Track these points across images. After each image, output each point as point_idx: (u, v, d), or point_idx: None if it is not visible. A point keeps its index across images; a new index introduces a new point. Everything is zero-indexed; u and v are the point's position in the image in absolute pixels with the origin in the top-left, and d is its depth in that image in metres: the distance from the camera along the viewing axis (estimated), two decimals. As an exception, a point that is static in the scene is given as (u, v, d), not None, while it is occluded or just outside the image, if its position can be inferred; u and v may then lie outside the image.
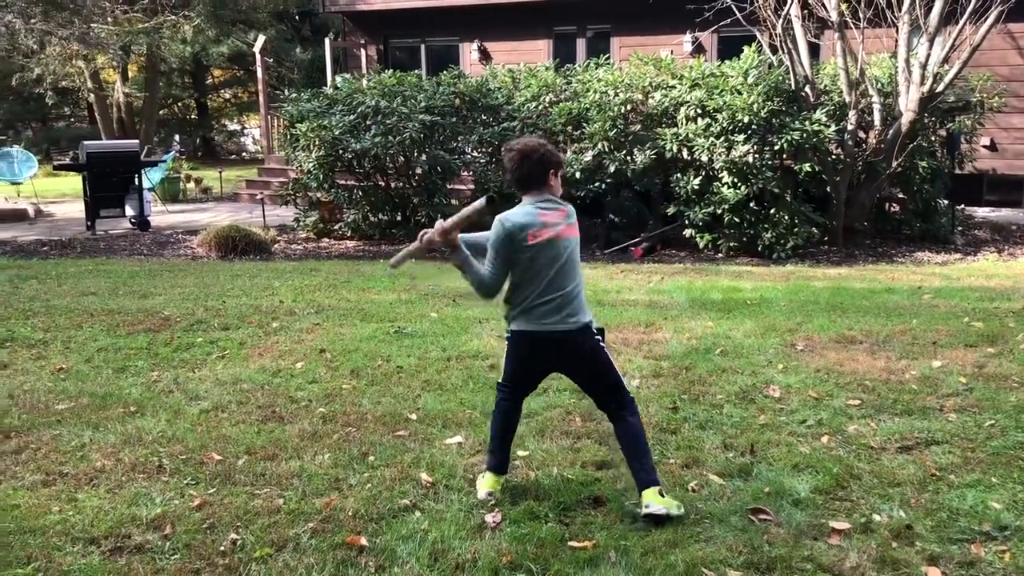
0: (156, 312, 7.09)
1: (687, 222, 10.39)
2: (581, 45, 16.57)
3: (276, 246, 11.28)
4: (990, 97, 12.07)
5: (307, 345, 6.00)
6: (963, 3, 10.21)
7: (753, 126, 9.93)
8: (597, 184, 10.70)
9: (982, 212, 13.42)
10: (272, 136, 17.21)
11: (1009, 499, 3.49)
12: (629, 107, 10.77)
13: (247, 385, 5.11)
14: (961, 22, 10.29)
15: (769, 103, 9.96)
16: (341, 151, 10.98)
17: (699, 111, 10.27)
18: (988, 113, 12.29)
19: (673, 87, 10.66)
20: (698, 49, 14.63)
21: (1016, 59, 13.77)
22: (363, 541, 3.22)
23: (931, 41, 10.30)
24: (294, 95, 12.07)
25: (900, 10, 10.46)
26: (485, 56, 16.99)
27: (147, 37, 20.80)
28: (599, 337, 3.51)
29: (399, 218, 11.79)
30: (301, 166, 11.59)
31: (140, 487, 3.71)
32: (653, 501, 3.32)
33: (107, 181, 12.70)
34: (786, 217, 10.11)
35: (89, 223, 12.83)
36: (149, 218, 13.20)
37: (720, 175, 10.17)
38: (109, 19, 20.39)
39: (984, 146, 13.66)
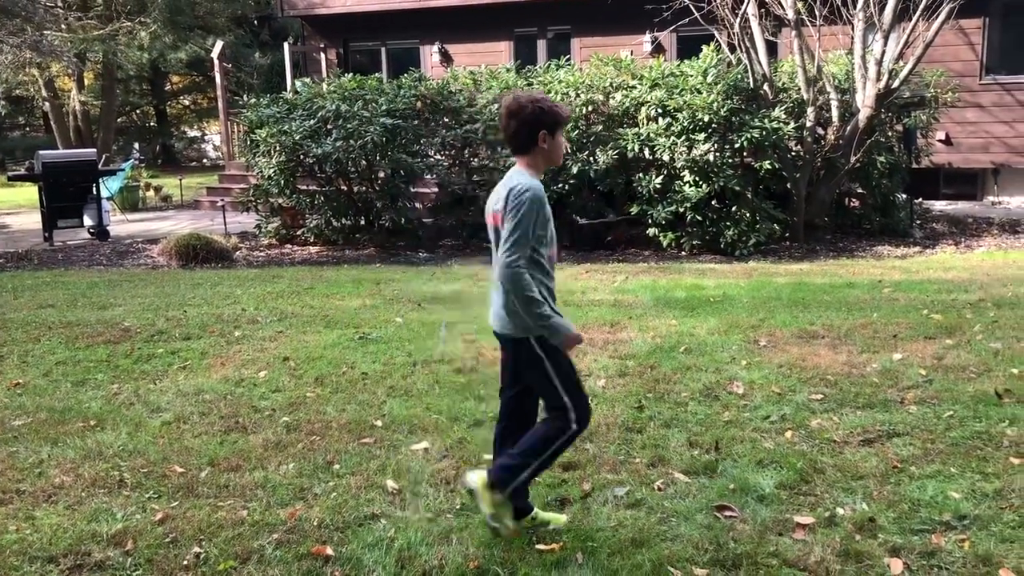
0: (116, 323, 6.98)
1: (650, 221, 10.44)
2: (542, 46, 16.59)
3: (238, 253, 11.16)
4: (944, 92, 12.28)
5: (270, 353, 5.94)
6: (915, 0, 10.38)
7: (713, 125, 10.01)
8: (561, 185, 10.71)
9: (939, 205, 13.64)
10: (232, 142, 17.04)
11: (968, 489, 3.54)
12: (590, 108, 10.80)
13: (209, 395, 5.05)
14: (914, 19, 10.46)
15: (728, 102, 10.04)
16: (302, 156, 10.90)
17: (660, 111, 10.33)
18: (942, 108, 12.51)
19: (634, 87, 10.71)
20: (658, 49, 14.71)
21: (968, 55, 14.01)
22: (329, 551, 3.19)
23: (886, 38, 10.46)
24: (253, 100, 11.96)
25: (855, 7, 10.60)
26: (446, 58, 16.95)
27: (102, 44, 20.51)
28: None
29: (363, 222, 11.72)
30: (262, 172, 11.48)
31: (100, 503, 3.65)
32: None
33: (64, 191, 12.49)
34: (747, 214, 10.20)
35: (46, 234, 12.61)
36: (108, 228, 13.01)
37: (682, 174, 10.23)
38: (63, 26, 20.07)
39: (940, 140, 13.89)
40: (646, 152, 10.41)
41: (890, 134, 11.59)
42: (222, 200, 13.66)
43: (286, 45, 17.91)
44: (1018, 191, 14.44)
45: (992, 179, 14.61)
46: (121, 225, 14.36)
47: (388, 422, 4.50)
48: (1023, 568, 2.95)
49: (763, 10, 10.88)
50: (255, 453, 4.14)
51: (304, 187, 11.63)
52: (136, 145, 31.50)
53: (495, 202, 3.15)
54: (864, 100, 10.53)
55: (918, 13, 10.37)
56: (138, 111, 32.66)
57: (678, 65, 10.91)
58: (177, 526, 3.41)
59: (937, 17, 10.39)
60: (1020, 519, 3.28)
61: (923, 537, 3.19)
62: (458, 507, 3.52)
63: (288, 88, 14.68)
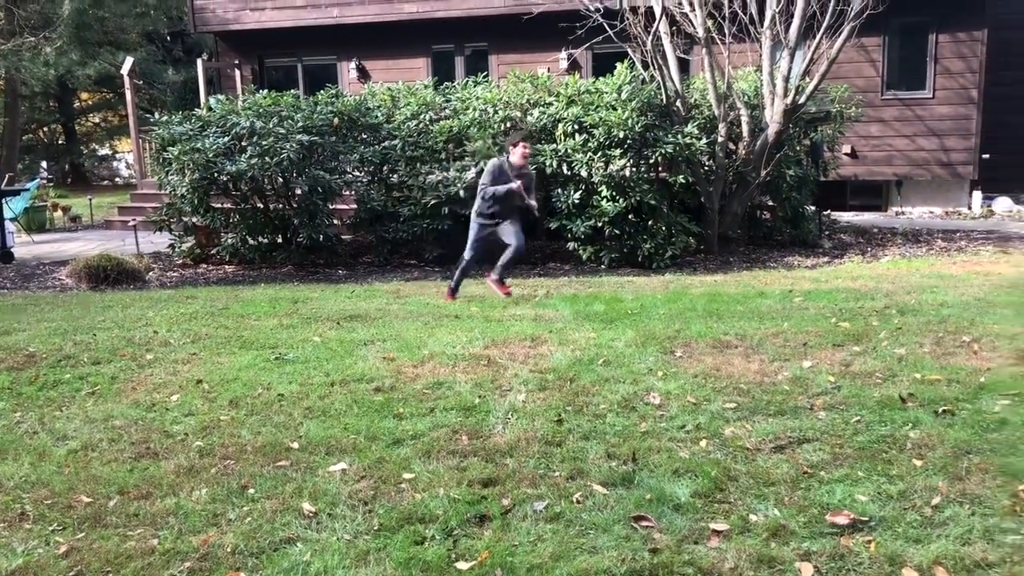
0: (19, 349, 6.71)
1: (570, 235, 10.55)
2: (460, 63, 16.66)
3: (151, 274, 10.88)
4: (848, 107, 12.75)
5: (183, 376, 5.80)
6: (819, 19, 10.77)
7: (628, 141, 10.19)
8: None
9: (847, 216, 14.14)
10: (145, 160, 16.63)
11: (874, 491, 3.66)
12: (509, 124, 10.89)
13: (119, 421, 4.89)
14: (818, 36, 10.84)
15: (643, 118, 10.24)
16: (216, 174, 10.71)
17: (576, 127, 10.48)
18: (847, 123, 12.99)
19: (550, 104, 10.84)
20: (574, 66, 14.92)
21: (870, 71, 14.58)
22: (243, 577, 3.12)
23: (792, 55, 10.82)
24: (165, 118, 11.71)
25: (762, 26, 10.94)
26: (364, 74, 16.88)
27: (4, 60, 19.80)
28: None
29: (279, 240, 11.56)
30: (174, 190, 11.24)
31: None
32: None
33: (-36, 212, 12.03)
34: (663, 228, 10.40)
35: (-55, 257, 12.11)
36: (12, 250, 12.55)
37: (599, 189, 10.38)
38: (-39, 41, 19.34)
39: (846, 154, 14.41)
40: (564, 168, 10.53)
41: (798, 148, 11.99)
42: (134, 220, 13.31)
43: (199, 62, 17.60)
44: (920, 202, 15.07)
45: (895, 190, 15.22)
46: (26, 247, 13.87)
47: (305, 444, 4.43)
48: (924, 566, 3.06)
49: (674, 28, 11.15)
50: (167, 479, 4.02)
51: (219, 205, 11.41)
52: (43, 164, 30.46)
53: None
54: (773, 116, 10.86)
55: (821, 31, 10.76)
56: (45, 129, 31.59)
57: (593, 82, 11.09)
58: (83, 558, 3.29)
59: (840, 35, 10.79)
60: (922, 519, 3.41)
61: (832, 540, 3.28)
62: (376, 527, 3.48)
63: (202, 105, 14.39)
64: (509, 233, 8.20)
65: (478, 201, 8.21)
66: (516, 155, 8.03)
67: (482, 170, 8.63)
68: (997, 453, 4.00)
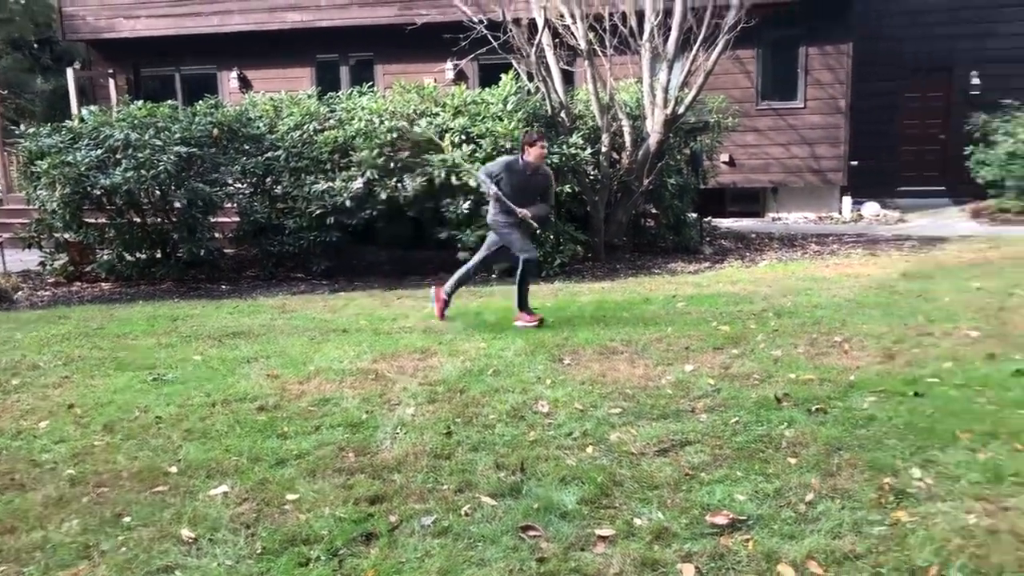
0: None
1: (460, 245, 10.55)
2: (344, 72, 16.49)
3: (19, 294, 10.33)
4: (725, 117, 13.20)
5: (53, 401, 5.52)
6: (696, 32, 11.11)
7: (515, 151, 10.25)
8: (369, 211, 10.64)
9: (726, 223, 14.60)
10: (11, 174, 15.80)
11: (752, 490, 3.78)
12: (396, 134, 10.81)
13: (-18, 452, 4.62)
14: (695, 49, 11.18)
15: (528, 128, 10.33)
16: (88, 188, 10.26)
17: (464, 137, 10.49)
18: (725, 132, 13.45)
19: (437, 114, 10.83)
20: (460, 76, 14.97)
21: (745, 82, 15.13)
22: (116, 611, 2.98)
23: (670, 67, 11.12)
24: (32, 129, 11.16)
25: (642, 38, 11.21)
26: (245, 84, 16.51)
27: None
28: None
29: (158, 256, 11.16)
30: (44, 205, 10.72)
31: None
32: None
33: None
34: (551, 236, 10.51)
35: None
36: None
37: (488, 199, 10.40)
38: None
39: (724, 162, 14.91)
40: (453, 178, 10.52)
41: (679, 157, 12.33)
42: (1, 237, 12.61)
43: (70, 71, 16.86)
44: (795, 207, 15.71)
45: (772, 197, 15.83)
46: None
47: (184, 467, 4.28)
48: (798, 561, 3.18)
49: (557, 40, 11.32)
50: (34, 512, 3.82)
51: (93, 220, 10.94)
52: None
53: None
54: (653, 126, 11.14)
55: (698, 44, 11.11)
56: (-100, 141, 29.63)
57: (480, 93, 11.13)
58: (-61, 601, 3.09)
59: (715, 48, 11.16)
60: (796, 515, 3.54)
61: (712, 540, 3.37)
62: (259, 551, 3.39)
63: (74, 116, 13.79)
64: (489, 245, 7.71)
65: (491, 207, 7.55)
66: (532, 154, 7.21)
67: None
68: (865, 448, 4.19)
